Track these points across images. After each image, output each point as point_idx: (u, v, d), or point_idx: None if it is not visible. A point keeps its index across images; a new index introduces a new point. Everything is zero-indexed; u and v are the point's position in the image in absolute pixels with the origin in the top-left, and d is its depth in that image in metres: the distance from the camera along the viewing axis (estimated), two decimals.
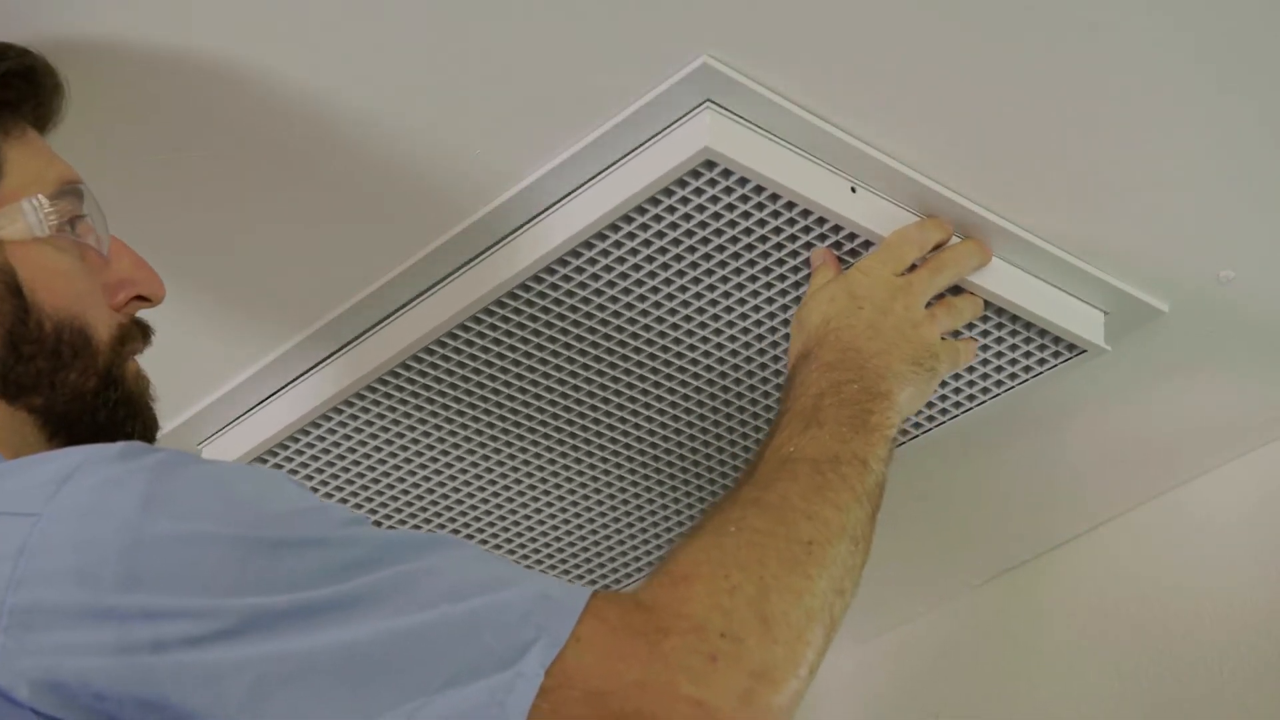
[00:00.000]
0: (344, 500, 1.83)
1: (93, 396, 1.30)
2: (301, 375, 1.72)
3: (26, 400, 1.28)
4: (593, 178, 1.54)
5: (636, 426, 1.77)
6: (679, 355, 1.68)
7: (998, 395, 1.73)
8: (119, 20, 1.42)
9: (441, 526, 1.87)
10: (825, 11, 1.42)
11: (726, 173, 1.49)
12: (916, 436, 1.77)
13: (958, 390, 1.73)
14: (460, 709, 1.07)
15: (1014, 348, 1.68)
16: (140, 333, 1.35)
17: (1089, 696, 1.96)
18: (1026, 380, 1.71)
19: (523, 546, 1.92)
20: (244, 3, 1.40)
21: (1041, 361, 1.69)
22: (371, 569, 1.11)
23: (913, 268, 1.56)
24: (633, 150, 1.51)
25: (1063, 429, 1.85)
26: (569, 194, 1.56)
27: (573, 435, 1.77)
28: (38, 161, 1.33)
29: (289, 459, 1.78)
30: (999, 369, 1.71)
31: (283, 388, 1.74)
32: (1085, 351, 1.68)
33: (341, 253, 1.62)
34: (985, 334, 1.67)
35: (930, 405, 1.74)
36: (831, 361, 1.44)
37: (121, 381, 1.32)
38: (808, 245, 1.56)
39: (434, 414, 1.73)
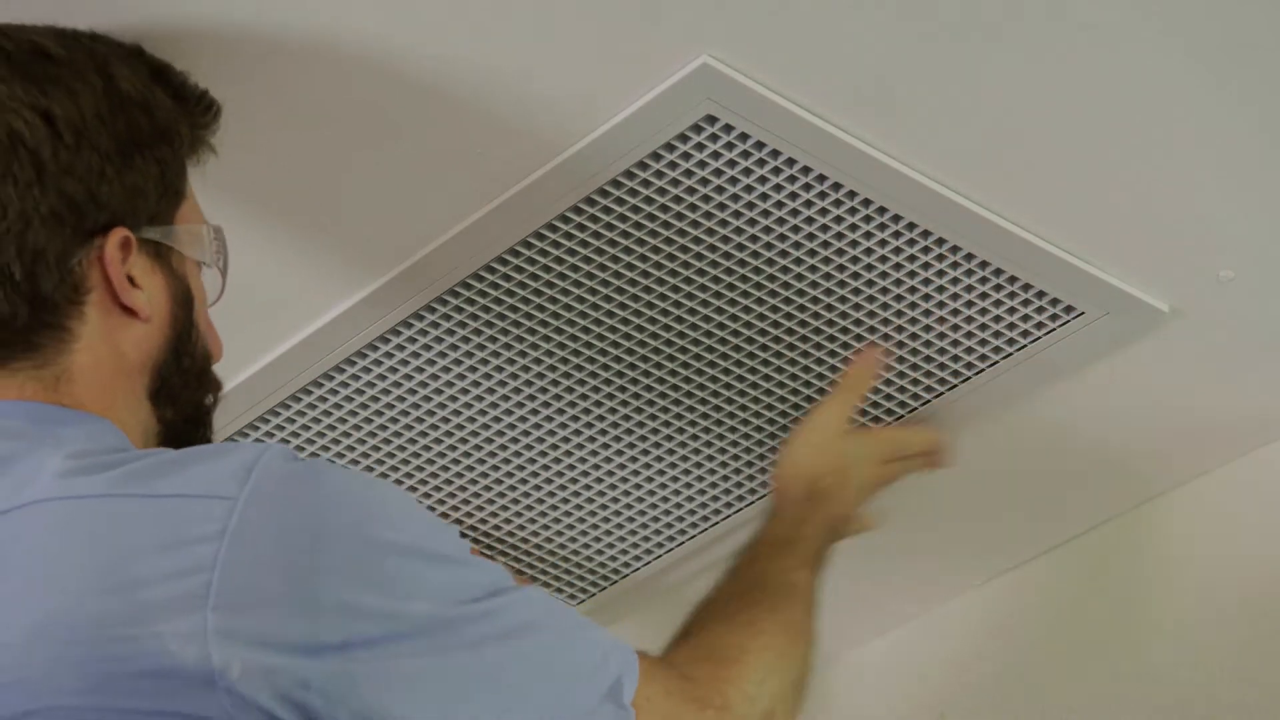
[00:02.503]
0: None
1: (194, 426, 1.36)
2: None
3: (162, 410, 1.33)
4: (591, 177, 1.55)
5: (637, 395, 1.80)
6: (692, 311, 1.69)
7: (996, 363, 1.73)
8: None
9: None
10: (825, 12, 1.42)
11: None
12: (928, 401, 1.78)
13: (956, 358, 1.74)
14: None
15: (1012, 310, 1.69)
16: (219, 384, 1.40)
17: (1093, 696, 1.96)
18: (1025, 346, 1.72)
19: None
20: None
21: (1040, 325, 1.70)
22: (504, 593, 1.22)
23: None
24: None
25: (1063, 429, 1.85)
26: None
27: (570, 396, 1.77)
28: (198, 197, 1.39)
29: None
30: (997, 334, 1.71)
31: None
32: (1083, 314, 1.68)
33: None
34: (984, 296, 1.67)
35: (943, 365, 1.74)
36: (828, 516, 1.70)
37: (210, 422, 1.38)
38: (823, 212, 1.59)
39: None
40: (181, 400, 1.34)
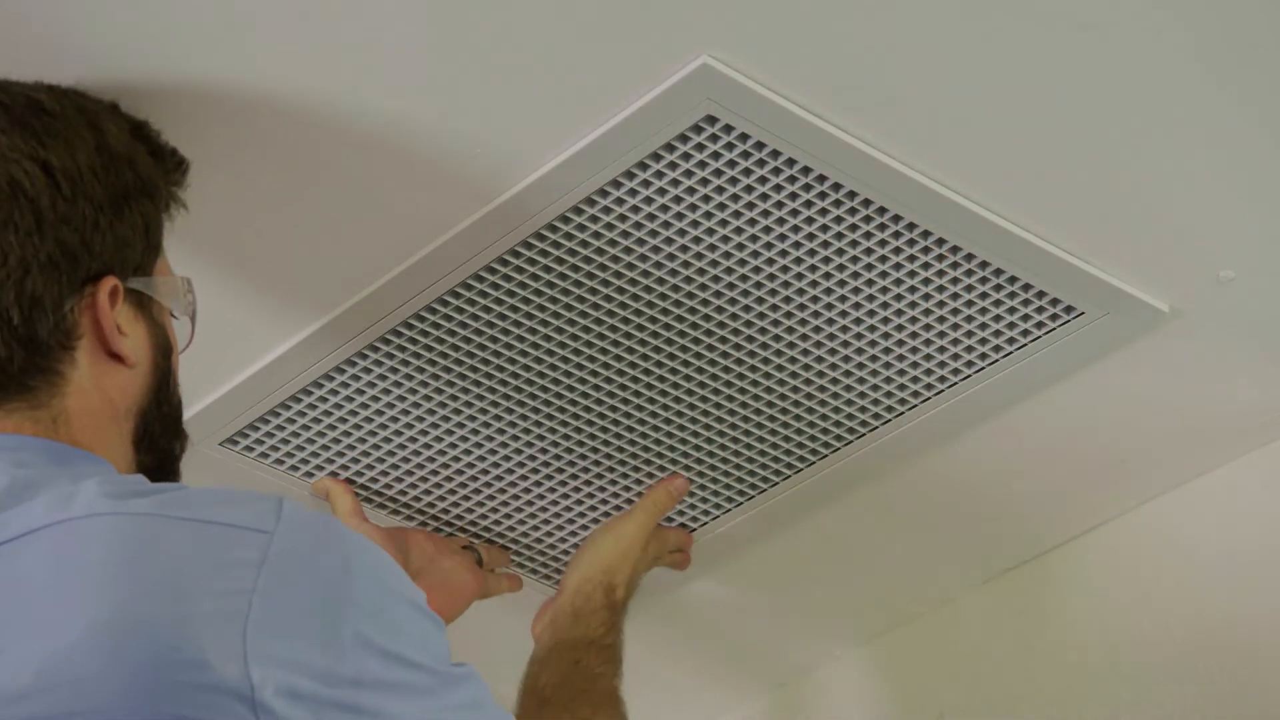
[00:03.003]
0: (352, 460, 1.84)
1: (165, 474, 1.40)
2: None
3: (142, 456, 1.37)
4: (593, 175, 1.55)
5: (637, 395, 1.80)
6: (692, 310, 1.69)
7: (996, 362, 1.73)
8: (131, 26, 1.43)
9: (442, 484, 1.87)
10: (825, 12, 1.42)
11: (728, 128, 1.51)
12: (928, 399, 1.78)
13: (956, 358, 1.74)
14: None
15: (1012, 310, 1.69)
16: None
17: (1092, 696, 1.96)
18: (1025, 346, 1.72)
19: (519, 509, 1.93)
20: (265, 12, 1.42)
21: (1040, 325, 1.70)
22: (460, 665, 1.29)
23: None
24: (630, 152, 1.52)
25: (1062, 429, 1.85)
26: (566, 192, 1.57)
27: (571, 395, 1.78)
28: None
29: (293, 419, 1.79)
30: (997, 333, 1.71)
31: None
32: (1083, 314, 1.68)
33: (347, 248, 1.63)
34: (984, 295, 1.67)
35: (943, 364, 1.74)
36: (620, 615, 1.84)
37: (179, 470, 1.43)
38: (823, 212, 1.59)
39: (435, 376, 1.74)
40: (159, 447, 1.39)
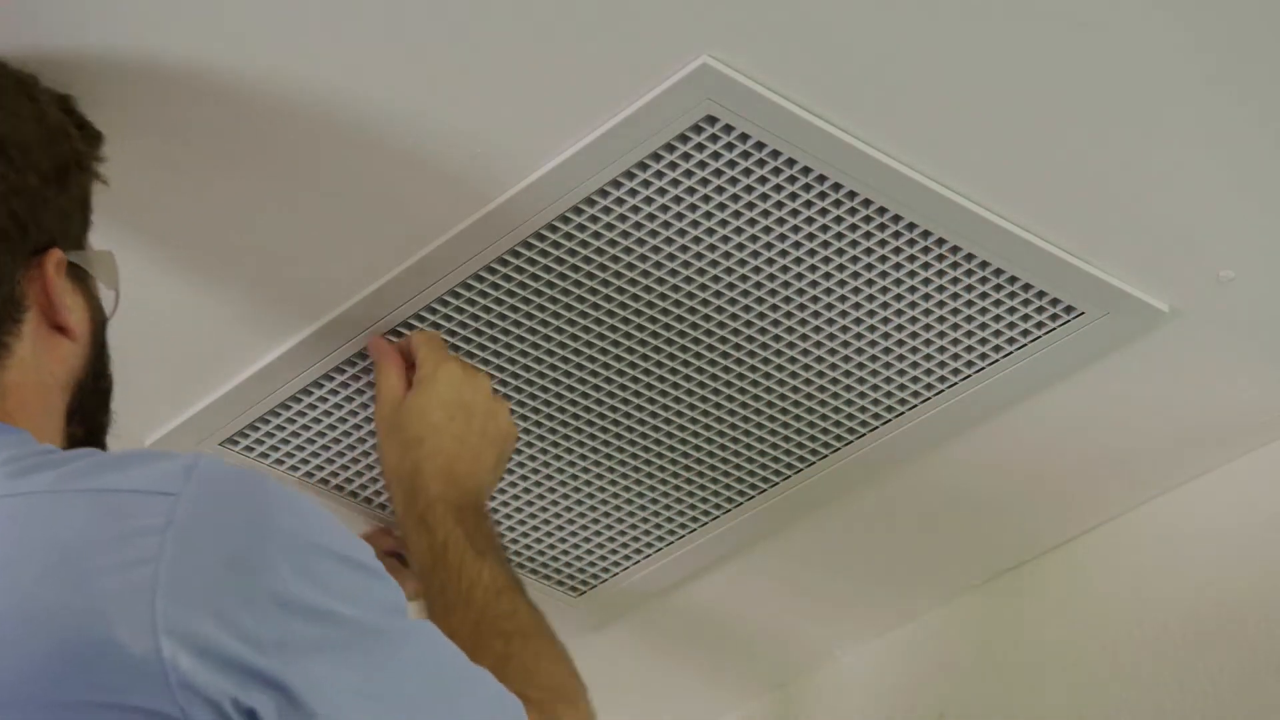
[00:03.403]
0: (352, 460, 1.83)
1: (94, 446, 1.37)
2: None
3: (74, 428, 1.35)
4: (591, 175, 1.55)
5: (636, 395, 1.79)
6: (692, 311, 1.69)
7: (996, 362, 1.73)
8: (123, 17, 1.43)
9: None
10: (825, 12, 1.42)
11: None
12: (928, 399, 1.77)
13: (956, 358, 1.73)
14: None
15: (1012, 310, 1.69)
16: None
17: (1091, 695, 1.96)
18: (1025, 346, 1.72)
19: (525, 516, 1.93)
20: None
21: (1040, 325, 1.70)
22: (415, 619, 1.24)
23: None
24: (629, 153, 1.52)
25: (1062, 429, 1.85)
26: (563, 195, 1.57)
27: (569, 396, 1.78)
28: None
29: (294, 418, 1.79)
30: (997, 333, 1.71)
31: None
32: (1083, 314, 1.68)
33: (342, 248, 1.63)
34: (984, 295, 1.67)
35: (943, 364, 1.74)
36: (437, 495, 1.61)
37: (105, 443, 1.39)
38: (823, 212, 1.59)
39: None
40: (91, 419, 1.37)
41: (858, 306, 1.69)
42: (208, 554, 1.15)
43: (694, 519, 1.93)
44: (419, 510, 1.61)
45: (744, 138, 1.53)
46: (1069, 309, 1.69)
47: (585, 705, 1.49)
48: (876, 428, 1.82)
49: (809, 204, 1.59)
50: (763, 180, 1.57)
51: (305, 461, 1.84)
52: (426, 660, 1.23)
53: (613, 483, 1.88)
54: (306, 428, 1.80)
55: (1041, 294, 1.67)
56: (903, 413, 1.80)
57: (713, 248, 1.62)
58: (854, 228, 1.61)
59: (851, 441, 1.84)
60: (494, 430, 1.67)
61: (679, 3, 1.41)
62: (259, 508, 1.18)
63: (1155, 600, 1.94)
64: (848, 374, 1.76)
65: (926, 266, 1.65)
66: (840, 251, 1.63)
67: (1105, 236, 1.63)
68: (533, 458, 1.85)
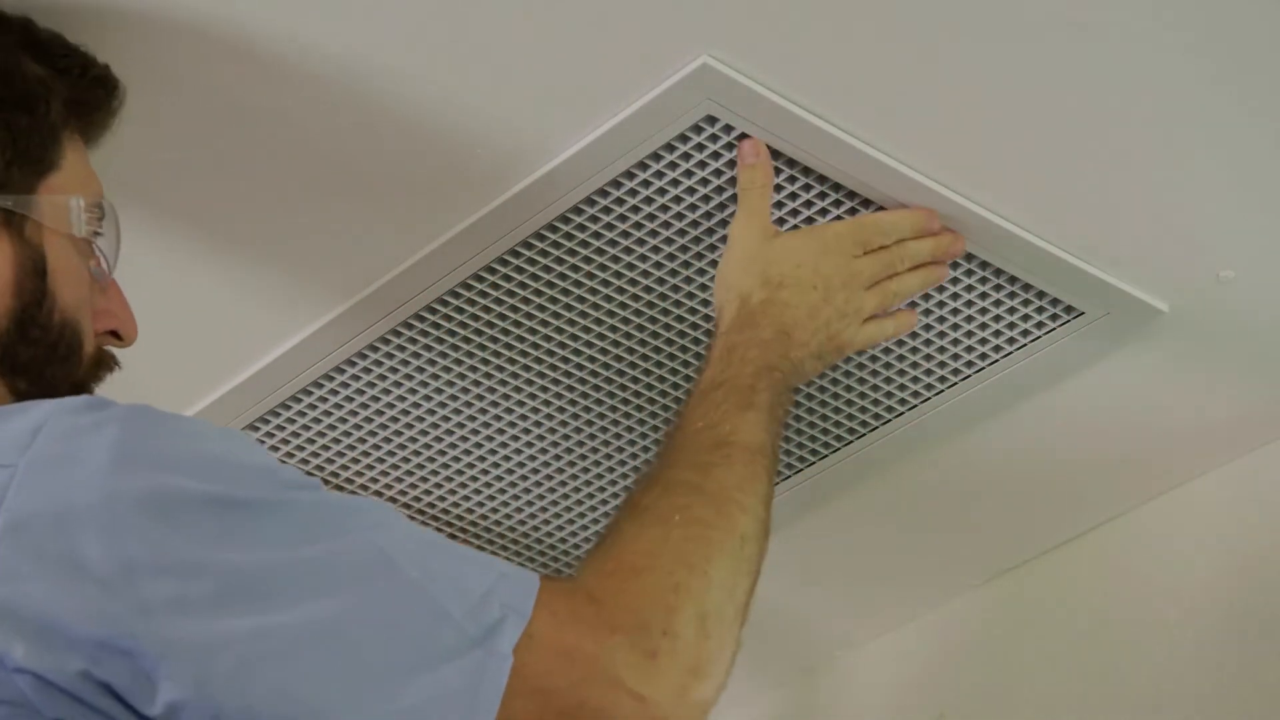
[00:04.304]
0: (359, 454, 1.84)
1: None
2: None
3: (14, 381, 1.28)
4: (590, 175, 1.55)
5: (637, 395, 1.80)
6: (692, 311, 1.69)
7: (996, 362, 1.74)
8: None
9: (452, 478, 1.87)
10: (825, 12, 1.42)
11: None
12: (928, 399, 1.78)
13: (956, 358, 1.74)
14: (437, 692, 1.10)
15: (1012, 310, 1.69)
16: (111, 363, 1.35)
17: (1090, 695, 1.97)
18: (1025, 346, 1.72)
19: (532, 501, 1.93)
20: None
21: (1040, 325, 1.70)
22: (339, 536, 1.12)
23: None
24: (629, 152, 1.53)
25: (1063, 428, 1.85)
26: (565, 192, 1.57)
27: (571, 394, 1.78)
28: (85, 169, 1.35)
29: (304, 411, 1.79)
30: (997, 333, 1.71)
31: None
32: (1083, 314, 1.68)
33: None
34: (984, 295, 1.67)
35: (943, 364, 1.74)
36: (768, 340, 1.46)
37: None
38: (823, 212, 1.59)
39: (435, 376, 1.75)
40: (40, 374, 1.28)
41: None
42: (41, 532, 1.08)
43: None
44: (740, 340, 1.46)
45: (744, 138, 1.53)
46: (1069, 309, 1.69)
47: (749, 520, 1.29)
48: (876, 428, 1.82)
49: (809, 204, 1.59)
50: None
51: (316, 454, 1.84)
52: (358, 573, 1.11)
53: (612, 482, 1.88)
54: (316, 420, 1.80)
55: (1041, 294, 1.67)
56: (902, 413, 1.80)
57: (713, 247, 1.63)
58: None
59: (851, 442, 1.84)
60: (839, 332, 1.53)
61: (679, 3, 1.41)
62: (98, 466, 1.09)
63: (1154, 600, 1.94)
64: (847, 374, 1.76)
65: None
66: None
67: (1105, 236, 1.63)
68: (533, 456, 1.85)
